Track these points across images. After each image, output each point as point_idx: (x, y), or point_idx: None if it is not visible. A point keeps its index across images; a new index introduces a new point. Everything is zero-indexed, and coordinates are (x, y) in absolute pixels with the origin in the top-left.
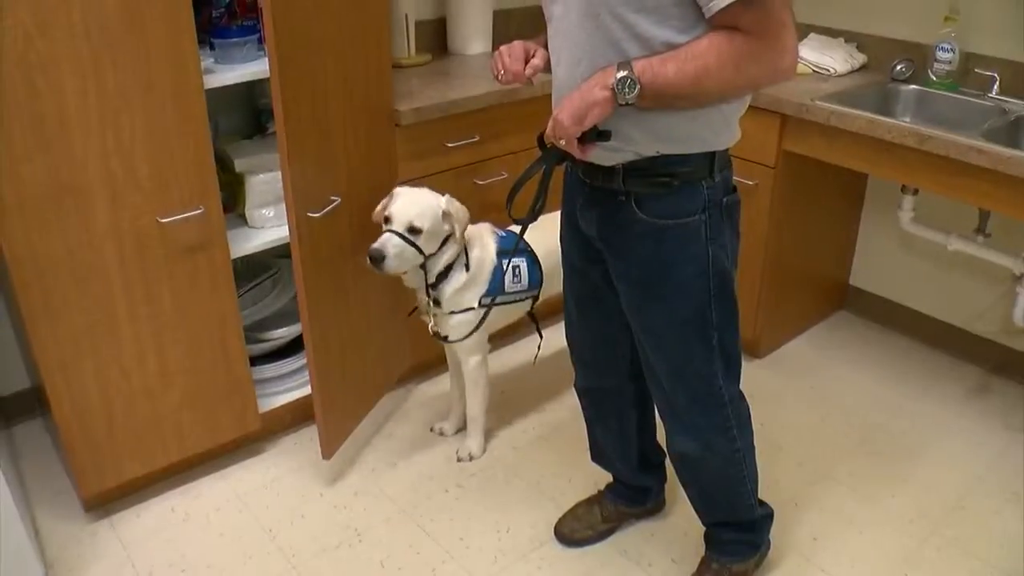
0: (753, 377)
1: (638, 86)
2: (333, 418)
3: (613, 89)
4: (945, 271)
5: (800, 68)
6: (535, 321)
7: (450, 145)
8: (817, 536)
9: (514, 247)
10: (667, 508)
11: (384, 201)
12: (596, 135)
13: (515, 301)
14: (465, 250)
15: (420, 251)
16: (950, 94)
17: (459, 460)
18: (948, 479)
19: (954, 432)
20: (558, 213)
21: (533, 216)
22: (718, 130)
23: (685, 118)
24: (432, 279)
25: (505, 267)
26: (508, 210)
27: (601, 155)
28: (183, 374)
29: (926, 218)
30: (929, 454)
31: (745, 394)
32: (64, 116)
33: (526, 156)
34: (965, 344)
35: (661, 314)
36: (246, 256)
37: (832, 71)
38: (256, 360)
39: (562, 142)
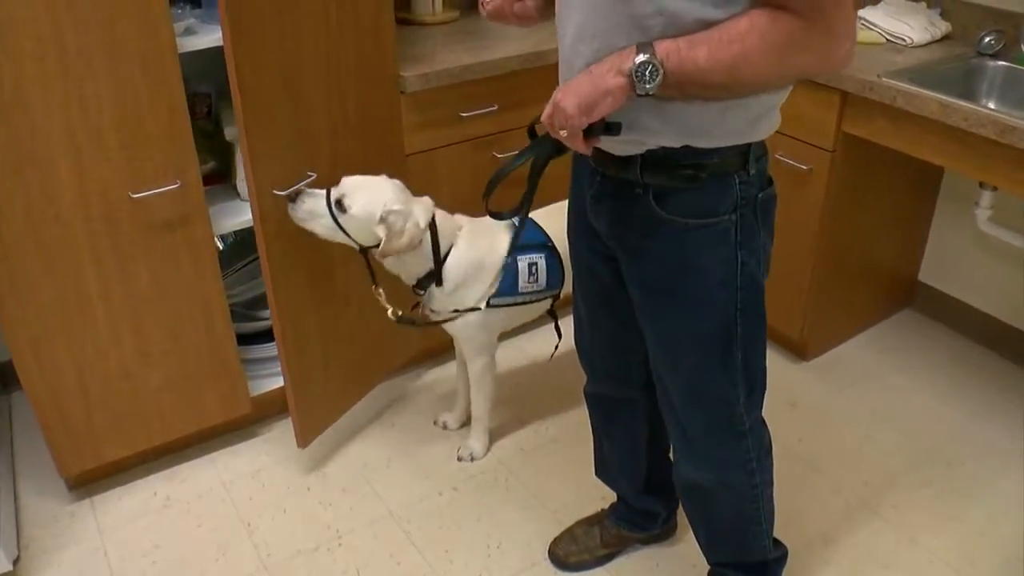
0: (797, 383)
1: (661, 73)
2: (308, 406)
3: (630, 76)
4: None
5: (872, 36)
6: (555, 319)
7: (464, 115)
8: None
9: (510, 246)
10: (676, 535)
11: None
12: (604, 128)
13: (528, 303)
14: (441, 258)
15: (342, 229)
16: None
17: (459, 459)
18: (1007, 523)
19: (1022, 466)
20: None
21: (516, 213)
22: (756, 121)
23: (717, 108)
24: (410, 280)
25: (520, 264)
26: (485, 203)
27: (615, 143)
28: (164, 355)
29: (1006, 218)
30: (990, 491)
31: (786, 402)
32: (21, 82)
33: None
34: None
35: (678, 327)
36: (242, 231)
37: (908, 41)
38: (251, 340)
39: (563, 133)
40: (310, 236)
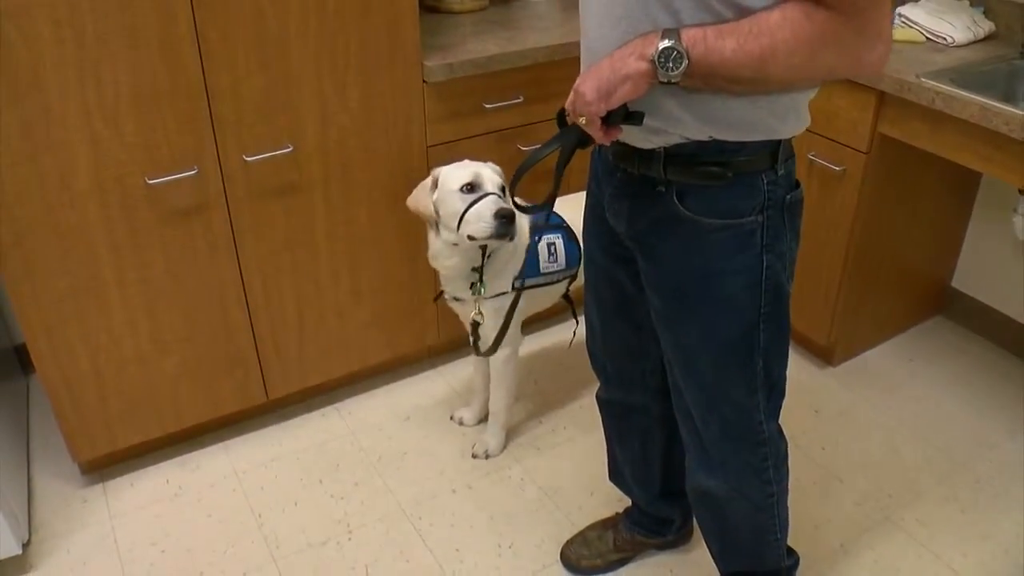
0: (822, 388)
1: (685, 61)
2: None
3: (653, 62)
4: None
5: (911, 35)
6: (571, 303)
7: (488, 106)
8: None
9: (530, 229)
10: (692, 543)
11: (428, 182)
12: (625, 116)
13: (551, 283)
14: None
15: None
16: None
17: (474, 456)
18: None
19: None
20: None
21: (545, 206)
22: (784, 116)
23: (743, 99)
24: (467, 269)
25: (539, 244)
26: (512, 194)
27: (638, 135)
28: (179, 343)
29: None
30: (1018, 509)
31: (810, 409)
32: (38, 67)
33: None
34: None
35: (698, 332)
36: None
37: (950, 40)
38: None
39: (582, 120)
40: (289, 215)
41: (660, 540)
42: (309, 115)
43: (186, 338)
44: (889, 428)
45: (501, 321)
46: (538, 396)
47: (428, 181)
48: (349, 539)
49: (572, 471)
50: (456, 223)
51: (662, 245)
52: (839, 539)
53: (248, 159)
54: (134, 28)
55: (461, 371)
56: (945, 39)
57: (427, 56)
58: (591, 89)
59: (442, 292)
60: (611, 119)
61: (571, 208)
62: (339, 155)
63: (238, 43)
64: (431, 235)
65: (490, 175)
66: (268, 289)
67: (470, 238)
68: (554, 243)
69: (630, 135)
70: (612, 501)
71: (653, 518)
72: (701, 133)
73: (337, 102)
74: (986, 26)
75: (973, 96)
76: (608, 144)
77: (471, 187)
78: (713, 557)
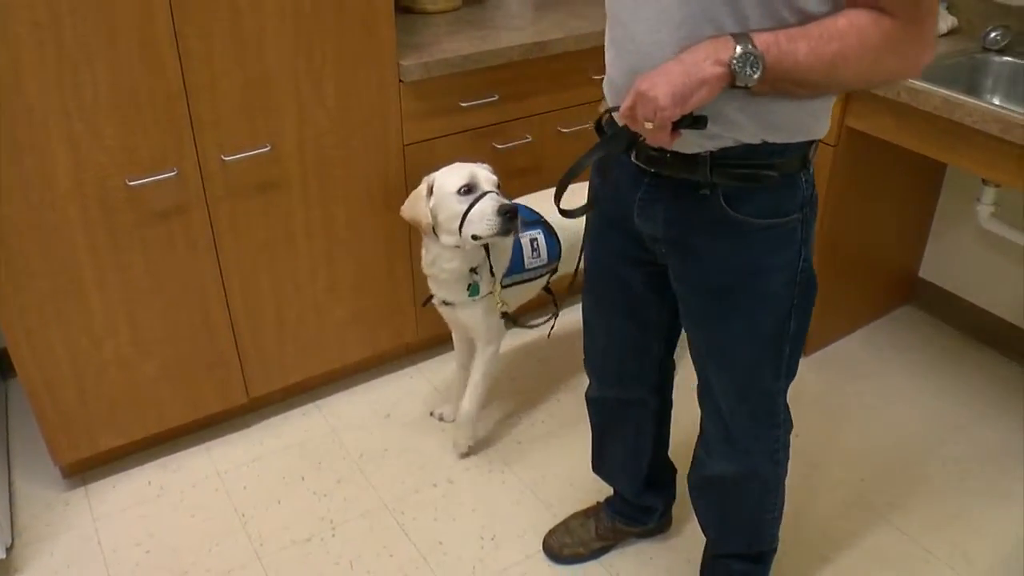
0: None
1: (761, 65)
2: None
3: (730, 66)
4: None
5: None
6: (551, 294)
7: (464, 105)
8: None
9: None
10: (673, 529)
11: (422, 190)
12: (691, 121)
13: (535, 278)
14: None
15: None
16: None
17: (462, 456)
18: (1007, 522)
19: (1021, 463)
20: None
21: (585, 209)
22: (820, 116)
23: (794, 102)
24: (464, 270)
25: (522, 240)
26: (557, 203)
27: (686, 140)
28: (160, 344)
29: (1009, 214)
30: (990, 489)
31: None
32: (18, 69)
33: (553, 118)
34: None
35: (741, 327)
36: None
37: None
38: None
39: (648, 125)
40: (267, 214)
41: (641, 528)
42: (287, 115)
43: (166, 339)
44: (861, 414)
45: (488, 320)
46: (516, 391)
47: (422, 189)
48: (333, 535)
49: (552, 464)
50: (457, 225)
51: (706, 246)
52: (816, 523)
53: (227, 159)
54: (113, 30)
55: (440, 368)
56: None
57: (403, 55)
58: (666, 94)
59: (431, 297)
60: (679, 124)
61: (546, 202)
62: (316, 154)
63: (216, 44)
64: (427, 242)
65: (485, 175)
66: (247, 289)
67: (474, 238)
68: (536, 238)
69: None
70: (592, 492)
71: (636, 507)
72: (755, 136)
73: (314, 101)
74: (949, 21)
75: (937, 89)
76: (670, 148)
77: (468, 188)
78: (710, 541)
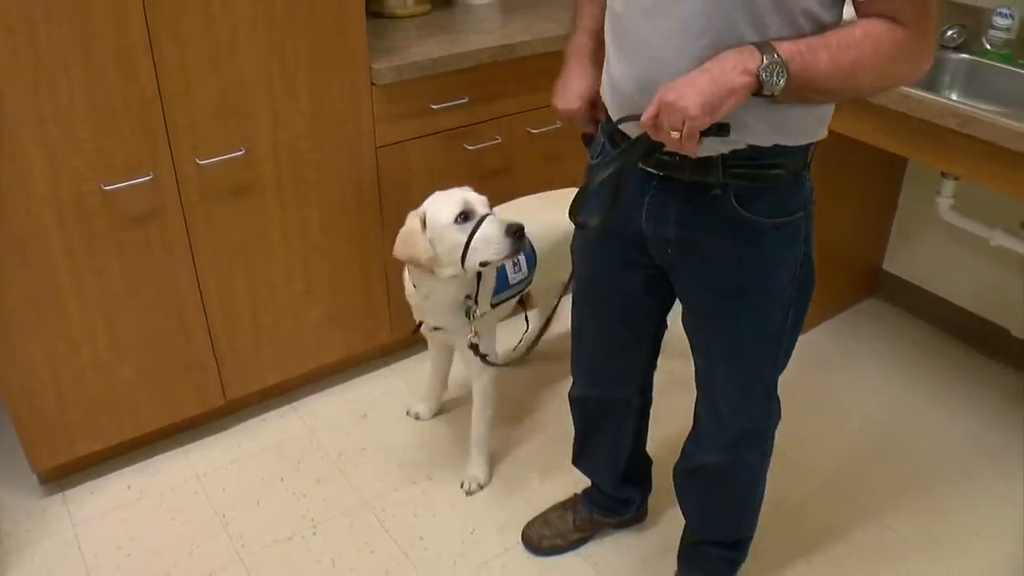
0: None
1: (786, 74)
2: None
3: (758, 76)
4: (986, 264)
5: None
6: (524, 308)
7: (435, 107)
8: (812, 558)
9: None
10: (648, 520)
11: (415, 225)
12: (716, 129)
13: (517, 294)
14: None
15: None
16: (1006, 66)
17: (469, 493)
18: (969, 502)
19: (985, 448)
20: (531, 197)
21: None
22: (825, 119)
23: (804, 107)
24: (460, 297)
25: None
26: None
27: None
28: (137, 348)
29: (968, 207)
30: (952, 471)
31: None
32: None
33: (522, 120)
34: (1008, 347)
35: (750, 324)
36: None
37: None
38: None
39: (675, 135)
40: (241, 217)
41: (618, 519)
42: (260, 119)
43: (144, 343)
44: (829, 405)
45: (491, 338)
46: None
47: (415, 224)
48: (314, 534)
49: (528, 459)
50: (459, 256)
51: (718, 246)
52: (789, 510)
53: (201, 163)
54: (88, 36)
55: (414, 367)
56: None
57: (374, 59)
58: (696, 104)
59: (420, 325)
60: (707, 132)
61: (519, 211)
62: (290, 157)
63: (189, 49)
64: (417, 276)
65: (476, 197)
66: (223, 292)
67: (482, 264)
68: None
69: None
70: (568, 485)
71: (615, 499)
72: (768, 140)
73: (288, 105)
74: None
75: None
76: (695, 156)
77: (465, 216)
78: (692, 527)
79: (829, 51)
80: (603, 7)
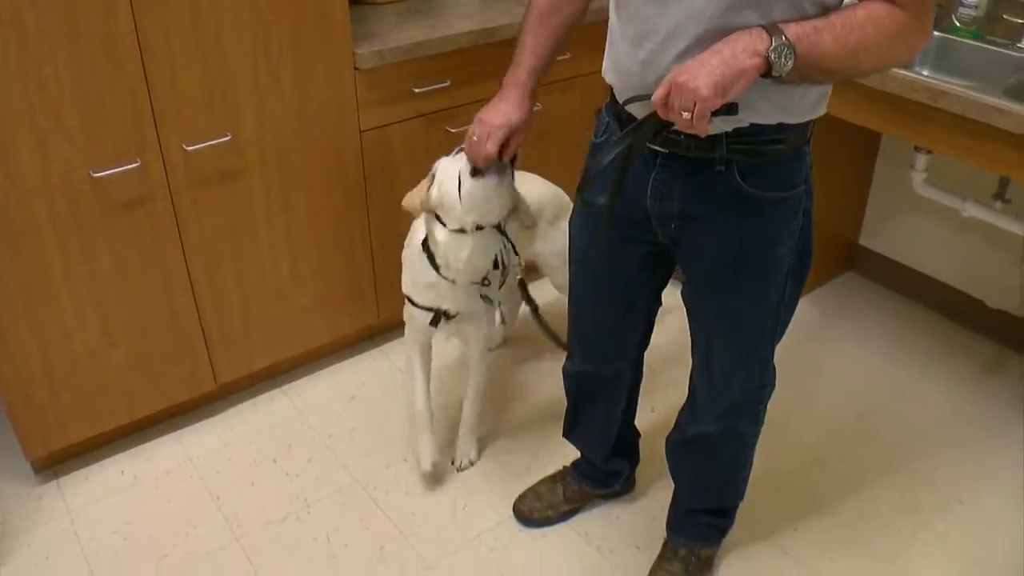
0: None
1: (793, 56)
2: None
3: (767, 57)
4: (960, 237)
5: None
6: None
7: (418, 90)
8: (797, 525)
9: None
10: (636, 491)
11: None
12: (726, 109)
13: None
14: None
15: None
16: (974, 43)
17: (459, 470)
18: (949, 469)
19: (961, 415)
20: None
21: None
22: (824, 94)
23: (807, 87)
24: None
25: None
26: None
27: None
28: (128, 334)
29: (941, 179)
30: (932, 440)
31: None
32: None
33: None
34: (980, 316)
35: (751, 295)
36: None
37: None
38: None
39: (685, 115)
40: (230, 200)
41: (607, 491)
42: (246, 104)
43: (135, 329)
44: (807, 375)
45: (493, 326)
46: None
47: (424, 181)
48: (308, 513)
49: (517, 436)
50: (457, 199)
51: (722, 219)
52: (772, 478)
53: (188, 148)
54: (75, 25)
55: (402, 350)
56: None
57: (356, 44)
58: (707, 84)
59: (438, 316)
60: (716, 112)
61: None
62: (276, 142)
63: (175, 36)
64: (431, 226)
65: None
66: (212, 277)
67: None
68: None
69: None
70: (556, 460)
71: (604, 471)
72: (772, 118)
73: (272, 91)
74: None
75: None
76: (704, 135)
77: (474, 171)
78: (682, 496)
79: (833, 33)
80: (552, 48)
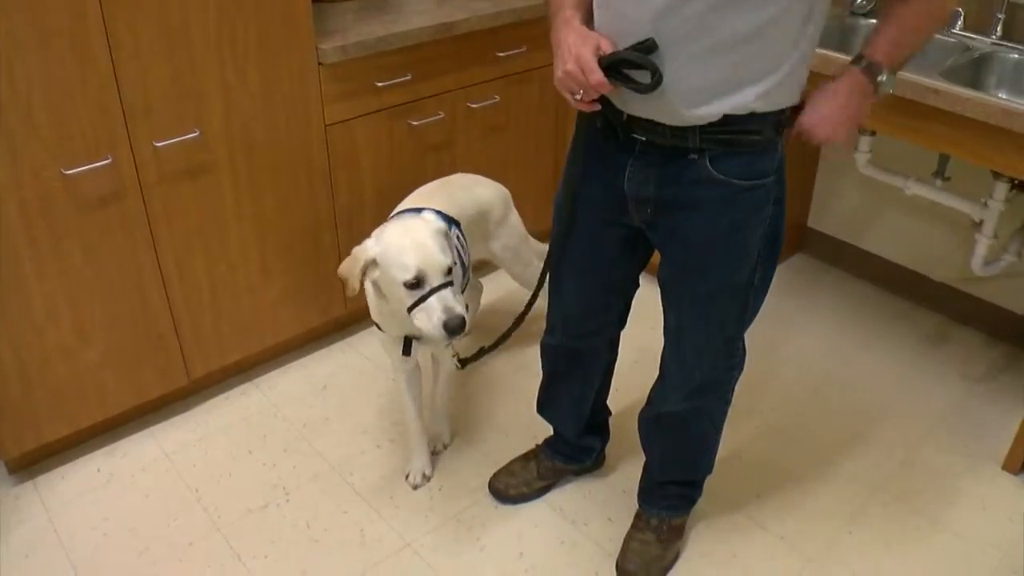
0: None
1: (891, 74)
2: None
3: (878, 95)
4: (904, 215)
5: None
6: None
7: (380, 85)
8: (760, 493)
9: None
10: (606, 466)
11: (362, 258)
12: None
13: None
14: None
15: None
16: None
17: (434, 453)
18: (899, 433)
19: (909, 383)
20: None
21: (655, 85)
22: (802, 83)
23: (786, 73)
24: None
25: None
26: (621, 58)
27: (676, 113)
28: (101, 331)
29: (884, 159)
30: (882, 407)
31: None
32: None
33: (462, 95)
34: (924, 290)
35: (719, 278)
36: None
37: None
38: None
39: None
40: (199, 196)
41: (579, 467)
42: (213, 100)
43: (108, 326)
44: (765, 353)
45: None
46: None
47: (362, 256)
48: (287, 500)
49: (487, 417)
50: (404, 309)
51: (693, 204)
52: (734, 448)
53: (158, 145)
54: (44, 23)
55: (371, 340)
56: None
57: (320, 40)
58: (845, 135)
59: (408, 343)
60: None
61: (425, 198)
62: (243, 138)
63: (143, 34)
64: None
65: (437, 262)
66: (183, 273)
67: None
68: (459, 235)
69: (665, 114)
70: (527, 438)
71: (576, 447)
72: (744, 109)
73: (239, 87)
74: None
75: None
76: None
77: (417, 282)
78: (653, 470)
79: (904, 34)
80: None
